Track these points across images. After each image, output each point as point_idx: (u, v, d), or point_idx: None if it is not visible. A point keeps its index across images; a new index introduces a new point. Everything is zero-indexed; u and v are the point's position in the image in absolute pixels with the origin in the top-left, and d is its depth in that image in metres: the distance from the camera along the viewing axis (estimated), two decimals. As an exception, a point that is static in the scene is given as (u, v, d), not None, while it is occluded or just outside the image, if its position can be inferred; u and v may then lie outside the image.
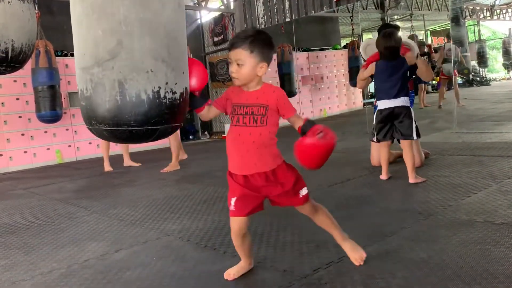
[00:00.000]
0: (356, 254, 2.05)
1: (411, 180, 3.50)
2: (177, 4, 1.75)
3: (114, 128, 1.67)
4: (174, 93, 1.70)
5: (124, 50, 1.62)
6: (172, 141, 5.50)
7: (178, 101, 1.72)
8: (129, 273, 2.22)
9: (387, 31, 3.61)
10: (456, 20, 12.60)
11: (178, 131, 5.74)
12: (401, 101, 3.53)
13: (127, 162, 6.19)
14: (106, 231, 3.03)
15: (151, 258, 2.41)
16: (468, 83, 15.97)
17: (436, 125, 6.56)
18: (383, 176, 3.73)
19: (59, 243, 2.85)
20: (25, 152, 7.11)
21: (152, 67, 1.64)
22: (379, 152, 3.89)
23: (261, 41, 1.86)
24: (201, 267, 2.21)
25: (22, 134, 7.09)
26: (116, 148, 6.48)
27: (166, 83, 1.68)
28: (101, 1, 1.62)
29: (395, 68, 3.54)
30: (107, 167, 5.88)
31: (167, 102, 1.68)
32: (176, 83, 1.71)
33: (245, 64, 1.84)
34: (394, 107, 3.54)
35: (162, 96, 1.66)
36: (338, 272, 1.98)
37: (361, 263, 2.02)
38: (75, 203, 4.04)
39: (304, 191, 1.98)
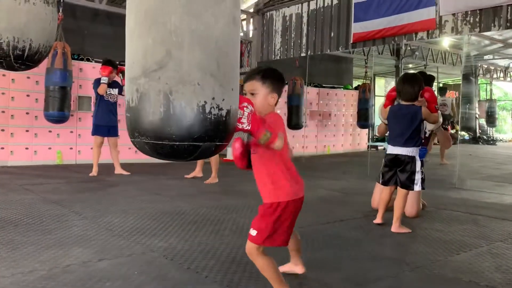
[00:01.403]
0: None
1: (393, 228, 3.49)
2: (232, 19, 1.70)
3: (155, 141, 1.62)
4: (220, 109, 1.63)
5: (173, 61, 1.57)
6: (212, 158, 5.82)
7: (224, 118, 1.64)
8: (109, 284, 2.21)
9: (409, 74, 3.65)
10: (467, 77, 12.76)
11: None
12: (407, 151, 3.50)
13: (118, 170, 6.41)
14: (93, 238, 3.03)
15: (132, 272, 2.41)
16: (474, 140, 16.01)
17: (437, 178, 6.57)
18: (378, 220, 3.70)
19: (45, 244, 2.84)
20: (27, 148, 7.16)
21: (200, 80, 1.59)
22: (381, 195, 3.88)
23: (272, 74, 2.03)
24: (180, 288, 2.19)
25: (27, 131, 7.15)
26: (109, 157, 6.58)
27: (213, 98, 1.61)
28: (154, 10, 1.59)
29: (407, 115, 3.51)
30: (94, 172, 6.14)
31: (212, 118, 1.61)
32: (223, 100, 1.64)
33: (258, 93, 1.99)
34: (397, 154, 3.55)
35: (207, 111, 1.60)
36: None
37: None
38: (68, 206, 4.04)
39: (252, 232, 2.00)
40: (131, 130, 1.68)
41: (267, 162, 1.99)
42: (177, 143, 1.60)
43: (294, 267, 2.42)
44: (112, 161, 6.48)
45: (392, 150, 3.59)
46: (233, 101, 1.71)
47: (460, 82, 13.94)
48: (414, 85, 3.51)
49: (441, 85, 16.19)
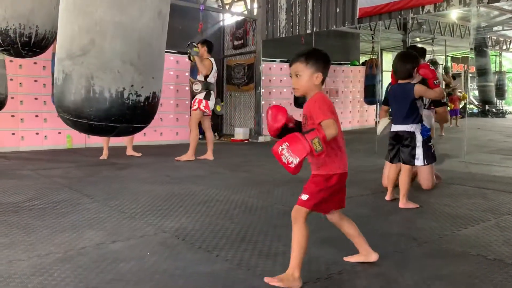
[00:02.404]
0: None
1: (401, 204, 3.54)
2: (157, 13, 1.82)
3: (76, 119, 1.77)
4: (138, 95, 1.79)
5: (95, 48, 1.70)
6: (191, 136, 6.14)
7: (141, 104, 1.81)
8: (122, 265, 2.27)
9: (402, 52, 3.66)
10: (478, 49, 12.55)
11: (197, 130, 6.16)
12: (406, 127, 3.55)
13: (130, 151, 6.52)
14: (105, 221, 3.10)
15: (145, 252, 2.47)
16: (483, 113, 15.87)
17: (445, 152, 6.55)
18: (388, 197, 3.77)
19: (59, 228, 2.91)
20: (37, 133, 7.24)
21: (120, 68, 1.73)
22: (388, 173, 3.92)
23: (315, 55, 2.09)
24: (192, 268, 2.25)
25: (36, 116, 7.22)
26: (121, 140, 6.64)
27: (132, 85, 1.76)
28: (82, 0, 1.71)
29: (403, 93, 3.56)
30: (104, 156, 6.22)
31: (130, 103, 1.77)
32: (142, 87, 1.80)
33: (302, 75, 2.07)
34: (397, 131, 3.61)
35: (125, 96, 1.76)
36: (325, 289, 2.01)
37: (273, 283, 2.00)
38: (79, 189, 4.11)
39: (303, 196, 2.10)
40: (57, 106, 1.85)
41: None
42: (95, 123, 1.76)
43: (368, 255, 2.31)
44: (125, 144, 6.55)
45: (394, 127, 3.66)
46: (154, 88, 1.85)
47: (468, 54, 13.73)
48: (406, 63, 3.55)
49: (449, 58, 15.98)
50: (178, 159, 6.05)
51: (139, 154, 6.47)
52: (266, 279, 2.04)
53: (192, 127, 6.11)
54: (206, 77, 5.99)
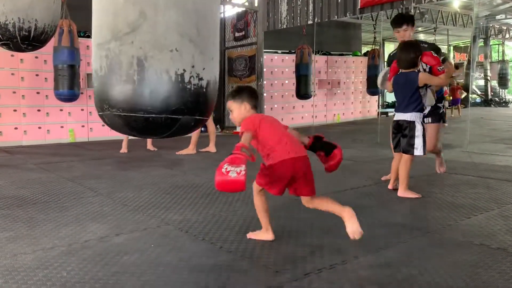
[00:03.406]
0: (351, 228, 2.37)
1: (399, 193, 3.57)
2: None
3: (128, 113, 1.43)
4: (200, 79, 1.47)
5: (147, 22, 1.38)
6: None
7: (204, 90, 1.50)
8: (126, 258, 2.28)
9: (405, 41, 3.66)
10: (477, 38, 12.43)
11: (212, 120, 6.12)
12: (406, 116, 3.56)
13: (149, 146, 6.48)
14: (109, 214, 3.11)
15: (149, 245, 2.48)
16: (486, 102, 15.80)
17: (447, 142, 6.53)
18: (390, 186, 3.80)
19: (63, 221, 2.92)
20: (40, 127, 7.25)
21: (178, 45, 1.41)
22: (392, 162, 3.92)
23: (240, 91, 2.48)
24: (196, 260, 2.26)
25: (38, 110, 7.23)
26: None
27: (193, 66, 1.44)
28: None
29: (407, 81, 3.56)
30: (123, 149, 6.15)
31: (192, 88, 1.45)
32: (204, 68, 1.48)
33: (233, 109, 2.46)
34: (398, 120, 3.62)
35: (186, 80, 1.43)
36: (329, 279, 2.02)
37: (356, 238, 2.34)
38: (83, 183, 4.12)
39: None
40: (100, 102, 1.51)
41: (258, 147, 2.42)
42: (153, 115, 1.43)
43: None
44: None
45: (396, 116, 3.67)
46: (214, 72, 1.54)
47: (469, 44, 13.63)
48: (409, 52, 3.54)
49: (451, 48, 15.89)
50: (179, 153, 6.05)
51: (155, 149, 6.43)
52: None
53: None
54: None
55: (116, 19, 1.40)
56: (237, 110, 2.47)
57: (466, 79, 10.01)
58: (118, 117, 1.46)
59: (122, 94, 1.41)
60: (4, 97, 6.93)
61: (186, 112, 1.46)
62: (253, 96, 2.51)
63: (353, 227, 2.36)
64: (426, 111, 3.84)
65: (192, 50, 1.43)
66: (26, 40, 3.04)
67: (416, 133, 3.53)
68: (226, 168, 1.90)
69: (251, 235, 2.59)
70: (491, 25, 14.42)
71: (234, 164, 1.92)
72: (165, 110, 1.42)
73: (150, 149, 6.43)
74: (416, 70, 3.57)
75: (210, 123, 6.32)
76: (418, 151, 3.54)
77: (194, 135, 6.07)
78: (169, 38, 1.39)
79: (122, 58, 1.39)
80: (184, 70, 1.42)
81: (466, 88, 9.61)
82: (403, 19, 3.98)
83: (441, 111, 4.01)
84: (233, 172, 1.89)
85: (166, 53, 1.39)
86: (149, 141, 6.48)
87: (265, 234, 2.56)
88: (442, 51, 4.21)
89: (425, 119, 3.89)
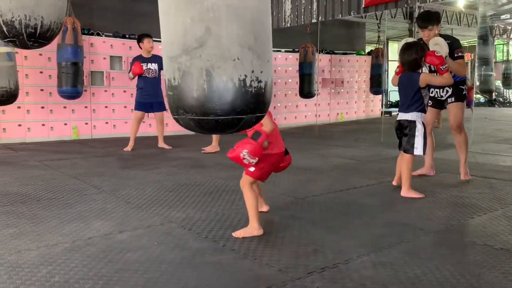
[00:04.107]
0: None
1: (402, 192, 3.58)
2: None
3: (201, 117, 1.67)
4: (259, 81, 1.69)
5: (212, 37, 1.60)
6: None
7: (263, 90, 1.72)
8: (130, 255, 2.29)
9: (407, 43, 3.66)
10: (483, 38, 12.39)
11: None
12: (407, 115, 3.58)
13: (161, 144, 6.44)
14: (112, 211, 3.12)
15: (152, 242, 2.48)
16: (490, 102, 15.75)
17: (450, 142, 6.51)
18: (394, 182, 3.86)
19: (67, 218, 2.94)
20: (43, 125, 7.27)
21: (239, 54, 1.63)
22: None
23: None
24: (199, 257, 2.26)
25: (42, 107, 7.24)
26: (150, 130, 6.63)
27: (252, 71, 1.66)
28: None
29: (409, 82, 3.58)
30: (129, 147, 6.13)
31: (253, 91, 1.67)
32: (261, 72, 1.70)
33: None
34: (400, 120, 3.65)
35: (248, 84, 1.66)
36: (331, 278, 2.02)
37: (235, 235, 2.54)
38: (86, 180, 4.14)
39: (251, 168, 2.58)
40: (175, 108, 1.73)
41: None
42: (222, 117, 1.66)
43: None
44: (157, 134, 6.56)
45: (399, 116, 3.70)
46: (270, 73, 1.76)
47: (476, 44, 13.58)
48: (411, 54, 3.56)
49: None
50: (205, 151, 5.97)
51: (169, 147, 6.37)
52: (234, 233, 2.56)
53: None
54: None
55: (185, 36, 1.63)
56: None
57: (471, 79, 9.96)
58: (192, 120, 1.71)
59: (195, 101, 1.65)
60: (8, 94, 6.94)
61: (249, 112, 1.70)
62: None
63: (245, 232, 2.57)
64: (449, 91, 4.03)
65: (251, 57, 1.65)
66: (32, 37, 3.04)
67: (416, 133, 3.54)
68: (243, 155, 2.33)
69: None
70: (495, 24, 14.36)
71: (251, 155, 2.26)
72: (232, 112, 1.66)
73: (164, 147, 6.36)
74: (420, 71, 3.58)
75: None
76: (418, 150, 3.55)
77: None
78: (232, 49, 1.62)
79: (192, 70, 1.63)
80: (246, 76, 1.65)
81: (485, 90, 9.49)
82: (429, 20, 3.93)
83: (463, 92, 4.05)
84: (247, 160, 2.39)
85: (229, 63, 1.62)
86: (160, 139, 6.45)
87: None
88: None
89: (448, 99, 4.08)
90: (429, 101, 4.13)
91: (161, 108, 6.31)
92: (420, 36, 4.03)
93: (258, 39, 1.67)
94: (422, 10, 11.86)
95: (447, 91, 4.09)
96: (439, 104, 4.21)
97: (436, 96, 4.15)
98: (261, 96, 1.70)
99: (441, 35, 3.98)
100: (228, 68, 1.62)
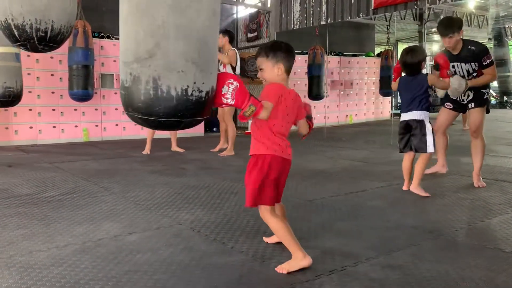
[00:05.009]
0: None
1: (412, 187, 3.69)
2: (212, 12, 1.94)
3: (146, 117, 1.89)
4: (200, 91, 1.90)
5: (161, 51, 1.81)
6: (229, 131, 6.09)
7: (203, 99, 1.92)
8: (139, 256, 2.30)
9: (408, 47, 3.73)
10: (498, 39, 12.29)
11: (233, 123, 6.17)
12: (415, 115, 3.61)
13: (174, 147, 6.43)
14: (122, 213, 3.14)
15: (161, 244, 2.50)
16: (501, 104, 15.59)
17: (461, 144, 6.46)
18: (405, 187, 3.83)
19: (77, 220, 2.96)
20: (54, 127, 7.34)
21: (183, 67, 1.84)
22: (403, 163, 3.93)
23: (275, 47, 2.22)
24: (207, 259, 2.27)
25: (53, 109, 7.32)
26: (164, 133, 6.63)
27: (194, 83, 1.87)
28: (145, 4, 1.82)
29: (416, 82, 3.62)
30: (147, 150, 6.13)
31: (193, 99, 1.88)
32: (203, 83, 1.90)
33: (264, 68, 2.23)
34: (407, 120, 3.67)
35: (189, 93, 1.87)
36: (340, 281, 2.02)
37: (283, 272, 2.09)
38: (96, 182, 4.17)
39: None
40: (126, 105, 1.96)
41: (256, 122, 2.20)
42: (164, 119, 1.89)
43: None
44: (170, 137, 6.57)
45: (404, 117, 3.72)
46: (212, 83, 1.97)
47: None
48: (414, 58, 3.59)
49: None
50: (222, 154, 5.96)
51: (183, 150, 6.33)
52: (277, 269, 2.12)
53: (228, 120, 6.05)
54: (234, 68, 5.81)
55: (138, 46, 1.85)
56: (269, 70, 2.21)
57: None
58: (139, 119, 1.94)
59: (142, 103, 1.87)
60: (20, 96, 7.02)
61: (189, 116, 1.92)
62: (291, 57, 2.24)
63: (290, 265, 2.12)
64: (470, 95, 3.97)
65: (194, 70, 1.87)
66: (43, 41, 3.08)
67: (427, 131, 3.61)
68: (231, 85, 1.99)
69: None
70: (507, 25, 14.23)
71: (236, 92, 1.97)
72: (173, 115, 1.88)
73: (177, 150, 6.34)
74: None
75: (222, 122, 6.30)
76: (430, 148, 3.63)
77: (232, 135, 6.03)
78: (177, 62, 1.84)
79: (142, 77, 1.85)
80: (188, 86, 1.86)
81: (503, 91, 9.38)
82: (450, 28, 3.83)
83: (485, 96, 3.99)
84: (228, 93, 2.00)
85: (174, 74, 1.84)
86: (173, 142, 6.42)
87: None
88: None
89: (469, 104, 4.02)
90: (450, 104, 4.16)
91: None
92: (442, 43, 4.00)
93: (202, 55, 1.89)
94: (432, 12, 11.80)
95: (468, 95, 4.02)
96: (461, 108, 4.17)
97: (458, 100, 4.12)
98: (201, 103, 1.91)
99: (465, 41, 3.92)
100: (173, 79, 1.83)
